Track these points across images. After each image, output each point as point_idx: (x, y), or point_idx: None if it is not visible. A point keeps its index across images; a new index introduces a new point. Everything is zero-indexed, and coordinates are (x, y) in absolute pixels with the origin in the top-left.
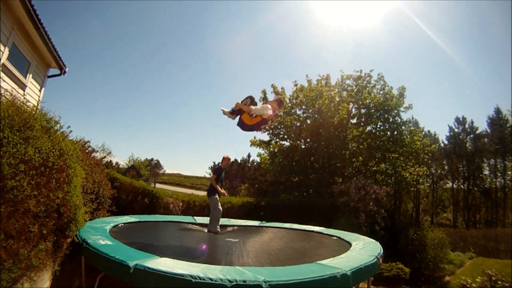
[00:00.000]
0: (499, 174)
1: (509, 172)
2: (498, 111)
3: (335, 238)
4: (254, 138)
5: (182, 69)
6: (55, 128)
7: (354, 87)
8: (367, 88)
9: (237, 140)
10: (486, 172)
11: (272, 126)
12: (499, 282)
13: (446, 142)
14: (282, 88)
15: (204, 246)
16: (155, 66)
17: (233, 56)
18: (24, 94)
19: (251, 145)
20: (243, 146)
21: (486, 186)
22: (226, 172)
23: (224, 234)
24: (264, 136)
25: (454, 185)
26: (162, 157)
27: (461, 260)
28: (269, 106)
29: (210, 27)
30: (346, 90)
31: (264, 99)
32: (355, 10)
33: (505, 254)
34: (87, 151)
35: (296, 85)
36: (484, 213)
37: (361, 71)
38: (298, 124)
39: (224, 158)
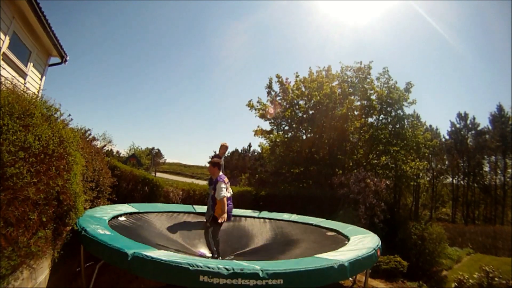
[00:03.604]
0: (499, 172)
1: (510, 170)
2: (500, 108)
3: (334, 229)
4: (258, 127)
5: (185, 59)
6: (55, 116)
7: (355, 79)
8: (368, 80)
9: (238, 129)
10: (487, 169)
11: (273, 116)
12: (496, 279)
13: (447, 137)
14: (287, 78)
15: (200, 251)
16: (157, 56)
17: (234, 49)
18: (24, 83)
19: (254, 135)
20: (243, 136)
21: (486, 183)
22: (227, 161)
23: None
24: (266, 125)
25: (454, 181)
26: (163, 146)
27: (458, 255)
28: (223, 186)
29: (213, 20)
30: (347, 81)
31: (269, 88)
32: (358, 5)
33: (503, 252)
34: (87, 139)
35: (297, 76)
36: (483, 210)
37: (361, 62)
38: (300, 114)
39: (222, 146)
